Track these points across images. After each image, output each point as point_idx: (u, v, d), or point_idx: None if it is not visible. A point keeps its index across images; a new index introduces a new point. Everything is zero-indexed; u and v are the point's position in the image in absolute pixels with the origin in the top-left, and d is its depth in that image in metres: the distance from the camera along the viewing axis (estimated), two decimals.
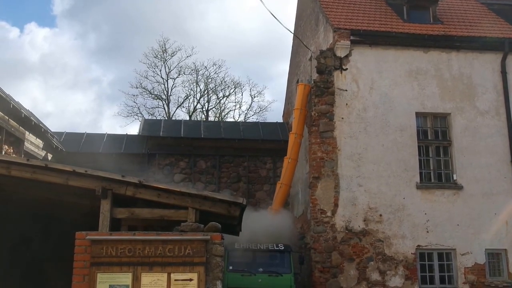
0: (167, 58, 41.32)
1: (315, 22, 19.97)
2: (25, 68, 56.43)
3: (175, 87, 41.31)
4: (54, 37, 69.14)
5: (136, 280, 8.76)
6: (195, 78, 41.78)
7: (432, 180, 16.78)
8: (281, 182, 17.64)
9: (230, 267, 14.40)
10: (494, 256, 16.38)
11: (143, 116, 38.28)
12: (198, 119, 39.56)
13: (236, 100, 47.26)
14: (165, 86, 40.94)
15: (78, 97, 60.51)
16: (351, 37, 16.88)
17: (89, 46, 61.13)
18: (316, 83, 16.81)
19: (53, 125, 63.75)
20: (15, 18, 69.91)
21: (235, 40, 60.82)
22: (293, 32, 23.44)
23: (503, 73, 17.51)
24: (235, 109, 44.56)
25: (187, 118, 39.63)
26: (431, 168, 16.88)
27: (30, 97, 54.45)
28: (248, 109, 43.17)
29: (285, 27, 34.15)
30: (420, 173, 16.60)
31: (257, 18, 62.55)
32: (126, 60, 59.69)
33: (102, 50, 60.35)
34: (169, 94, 40.87)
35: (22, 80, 53.97)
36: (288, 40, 24.94)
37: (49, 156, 20.00)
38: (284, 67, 62.92)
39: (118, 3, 63.70)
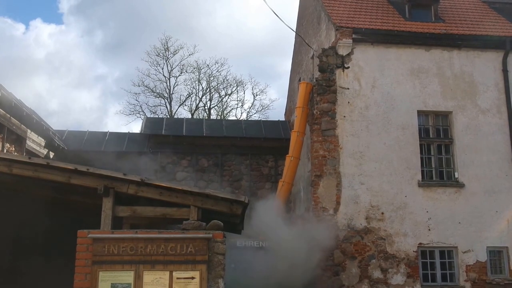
0: (169, 56, 41.41)
1: (317, 20, 19.97)
2: (30, 65, 56.54)
3: (177, 85, 41.42)
4: (60, 34, 69.29)
5: (138, 278, 8.78)
6: (197, 76, 41.87)
7: (434, 178, 16.79)
8: (283, 180, 17.68)
9: (232, 265, 14.38)
10: (496, 254, 16.39)
11: (145, 114, 38.37)
12: (200, 117, 39.62)
13: (238, 99, 47.34)
14: (167, 84, 41.05)
15: (83, 95, 60.72)
16: (353, 36, 16.88)
17: (95, 43, 61.29)
18: (318, 81, 16.82)
19: (58, 123, 64.09)
20: (21, 14, 70.04)
21: (241, 38, 61.04)
22: (295, 30, 23.45)
23: (505, 71, 17.50)
24: (237, 107, 44.67)
25: (189, 116, 39.71)
26: (433, 166, 16.89)
27: (35, 95, 54.61)
28: (250, 108, 43.25)
29: (287, 25, 34.23)
30: (422, 171, 16.61)
31: (264, 17, 62.89)
32: (132, 57, 60.05)
33: (108, 47, 60.56)
34: (171, 92, 40.97)
35: (27, 77, 54.06)
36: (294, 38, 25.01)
37: (51, 155, 20.03)
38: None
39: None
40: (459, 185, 16.56)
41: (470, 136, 16.96)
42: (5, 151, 15.63)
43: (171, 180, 20.20)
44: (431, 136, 17.13)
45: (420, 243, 16.06)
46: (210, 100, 42.12)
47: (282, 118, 26.45)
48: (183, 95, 42.06)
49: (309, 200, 17.36)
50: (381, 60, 17.10)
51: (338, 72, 16.84)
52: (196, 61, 42.17)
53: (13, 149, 16.64)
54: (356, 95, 16.76)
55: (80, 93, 60.51)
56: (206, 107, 41.97)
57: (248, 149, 22.53)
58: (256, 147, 22.61)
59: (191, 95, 41.64)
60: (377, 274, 15.74)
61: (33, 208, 11.55)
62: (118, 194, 9.42)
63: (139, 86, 40.77)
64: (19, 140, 17.15)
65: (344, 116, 16.56)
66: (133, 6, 61.34)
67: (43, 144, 19.26)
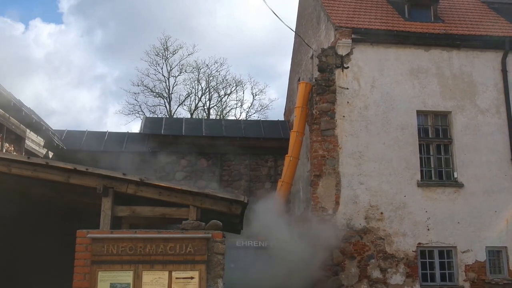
0: (168, 56, 41.42)
1: (317, 20, 19.97)
2: (30, 65, 56.38)
3: (176, 85, 41.44)
4: (59, 34, 69.23)
5: (137, 278, 8.77)
6: (197, 76, 41.89)
7: (433, 178, 16.79)
8: (282, 180, 17.68)
9: (232, 265, 14.38)
10: (495, 254, 16.40)
11: (144, 114, 38.37)
12: (200, 117, 39.62)
13: (237, 98, 47.35)
14: (166, 84, 41.09)
15: (82, 95, 60.70)
16: (353, 36, 16.88)
17: (95, 43, 61.30)
18: (318, 81, 16.81)
19: (57, 123, 64.12)
20: (20, 14, 69.96)
21: (241, 38, 61.10)
22: (294, 30, 23.46)
23: (504, 71, 17.51)
24: (236, 107, 44.77)
25: (189, 116, 39.71)
26: (432, 166, 16.90)
27: (34, 94, 54.47)
28: (249, 107, 43.29)
29: (287, 25, 34.21)
30: (421, 171, 16.61)
31: (264, 17, 62.93)
32: (132, 57, 60.10)
33: (108, 47, 60.52)
34: (170, 92, 41.01)
35: (26, 77, 53.93)
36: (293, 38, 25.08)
37: (50, 154, 20.03)
38: None
39: None
40: (458, 185, 16.57)
41: (469, 136, 16.97)
42: (4, 150, 15.63)
43: (170, 180, 20.20)
44: (430, 136, 17.14)
45: (419, 243, 16.07)
46: (210, 100, 42.20)
47: (282, 118, 26.46)
48: (182, 95, 42.20)
49: (308, 200, 17.36)
50: (380, 60, 17.10)
51: (337, 72, 16.83)
52: (195, 61, 42.25)
53: (12, 148, 16.64)
54: (355, 95, 16.76)
55: (80, 92, 60.59)
56: (205, 107, 42.01)
57: (247, 149, 22.53)
58: (256, 147, 22.62)
59: (191, 95, 41.71)
60: (376, 274, 15.74)
61: (32, 208, 11.55)
62: (117, 194, 9.41)
63: (138, 86, 40.87)
64: (18, 140, 17.15)
65: (344, 116, 16.56)
66: (133, 6, 61.45)
67: (42, 143, 19.26)
